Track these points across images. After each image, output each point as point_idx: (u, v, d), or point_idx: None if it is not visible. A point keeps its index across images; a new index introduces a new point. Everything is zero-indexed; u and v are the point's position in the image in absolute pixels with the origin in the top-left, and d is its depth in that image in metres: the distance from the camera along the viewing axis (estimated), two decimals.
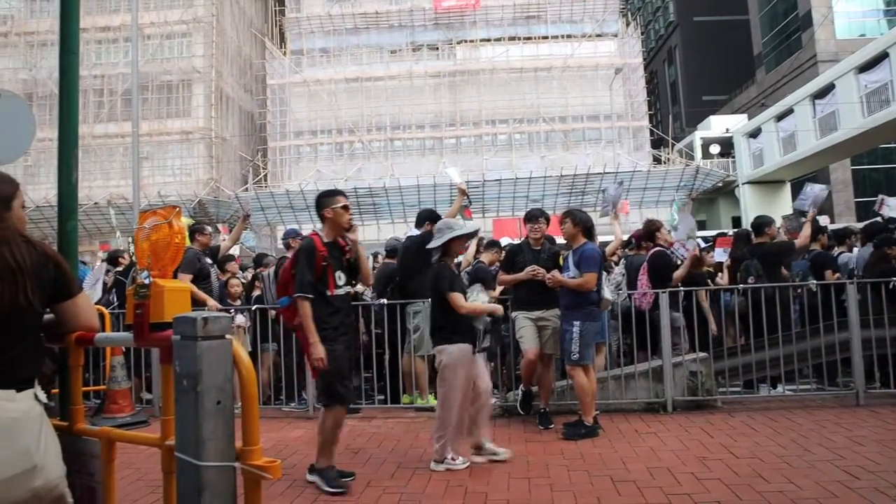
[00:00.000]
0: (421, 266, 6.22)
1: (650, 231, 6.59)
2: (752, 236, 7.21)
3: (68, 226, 2.58)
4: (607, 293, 5.37)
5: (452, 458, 4.31)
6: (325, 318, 3.97)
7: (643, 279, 6.26)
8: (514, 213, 27.72)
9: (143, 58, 27.65)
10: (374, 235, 25.59)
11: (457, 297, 4.30)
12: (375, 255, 8.56)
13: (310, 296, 3.93)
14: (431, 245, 4.54)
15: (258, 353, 6.37)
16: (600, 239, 7.36)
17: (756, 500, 3.47)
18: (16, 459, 1.76)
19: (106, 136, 30.78)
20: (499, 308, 4.39)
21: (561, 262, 5.41)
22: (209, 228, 6.83)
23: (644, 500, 3.54)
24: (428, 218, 6.41)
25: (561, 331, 5.20)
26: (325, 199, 4.17)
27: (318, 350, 3.87)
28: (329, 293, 4.01)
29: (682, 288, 6.01)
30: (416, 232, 6.51)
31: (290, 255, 7.14)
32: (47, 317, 2.09)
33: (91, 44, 30.92)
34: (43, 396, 1.93)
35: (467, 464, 4.32)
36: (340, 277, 4.09)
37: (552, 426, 5.26)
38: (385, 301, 6.37)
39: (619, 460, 4.30)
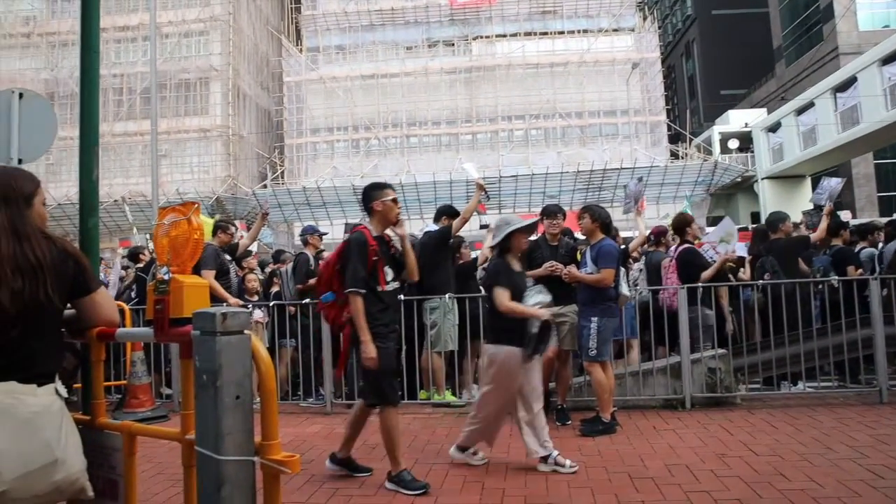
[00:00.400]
0: (439, 261, 6.22)
1: (681, 225, 6.50)
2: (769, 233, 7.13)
3: (90, 222, 2.61)
4: (625, 289, 5.35)
5: (473, 453, 4.26)
6: (375, 314, 3.84)
7: (673, 277, 6.18)
8: (531, 209, 27.62)
9: (161, 56, 27.85)
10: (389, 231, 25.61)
11: (499, 294, 4.05)
12: None
13: (363, 291, 3.80)
14: (491, 242, 4.29)
15: (276, 348, 6.41)
16: (624, 234, 7.32)
17: (777, 498, 3.43)
18: (37, 453, 1.78)
19: (125, 134, 31.14)
20: (541, 313, 3.98)
21: (578, 257, 5.39)
22: (233, 228, 6.88)
23: (662, 497, 3.52)
24: (446, 213, 6.41)
25: (578, 327, 5.18)
26: (374, 192, 4.05)
27: (371, 349, 3.75)
28: (380, 289, 3.89)
29: (701, 284, 5.96)
30: (434, 227, 6.51)
31: (307, 251, 7.21)
32: (68, 312, 2.12)
33: (110, 43, 31.23)
34: (63, 391, 1.95)
35: (485, 461, 4.27)
36: (388, 273, 3.98)
37: (569, 423, 5.25)
38: (402, 297, 6.38)
39: (637, 457, 4.28)
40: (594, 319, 5.00)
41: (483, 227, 7.27)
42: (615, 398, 5.28)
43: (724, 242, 6.38)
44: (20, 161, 4.72)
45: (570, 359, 5.53)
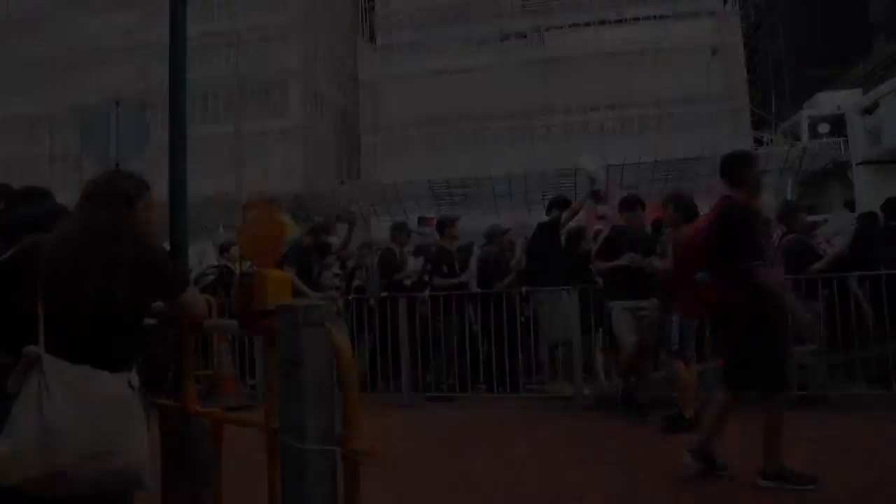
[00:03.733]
0: (548, 251, 6.21)
1: (787, 213, 6.16)
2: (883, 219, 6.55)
3: (179, 220, 2.73)
4: None
5: None
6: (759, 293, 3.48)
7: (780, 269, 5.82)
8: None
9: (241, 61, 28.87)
10: (465, 226, 25.67)
11: None
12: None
13: (762, 263, 3.47)
14: None
15: (355, 340, 6.52)
16: None
17: None
18: (95, 440, 1.82)
19: (210, 136, 32.54)
20: None
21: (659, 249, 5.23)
22: (325, 236, 7.06)
23: (755, 497, 3.35)
24: (556, 204, 6.41)
25: (660, 320, 5.01)
26: (747, 166, 3.75)
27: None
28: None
29: (832, 274, 5.58)
30: (546, 218, 6.51)
31: (393, 245, 7.27)
32: (159, 304, 2.22)
33: (196, 50, 32.64)
34: (135, 381, 1.99)
35: None
36: None
37: (649, 418, 5.10)
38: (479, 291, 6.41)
39: (723, 455, 4.09)
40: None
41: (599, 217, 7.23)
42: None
43: (839, 236, 5.97)
44: (117, 164, 5.02)
45: (650, 353, 5.37)
